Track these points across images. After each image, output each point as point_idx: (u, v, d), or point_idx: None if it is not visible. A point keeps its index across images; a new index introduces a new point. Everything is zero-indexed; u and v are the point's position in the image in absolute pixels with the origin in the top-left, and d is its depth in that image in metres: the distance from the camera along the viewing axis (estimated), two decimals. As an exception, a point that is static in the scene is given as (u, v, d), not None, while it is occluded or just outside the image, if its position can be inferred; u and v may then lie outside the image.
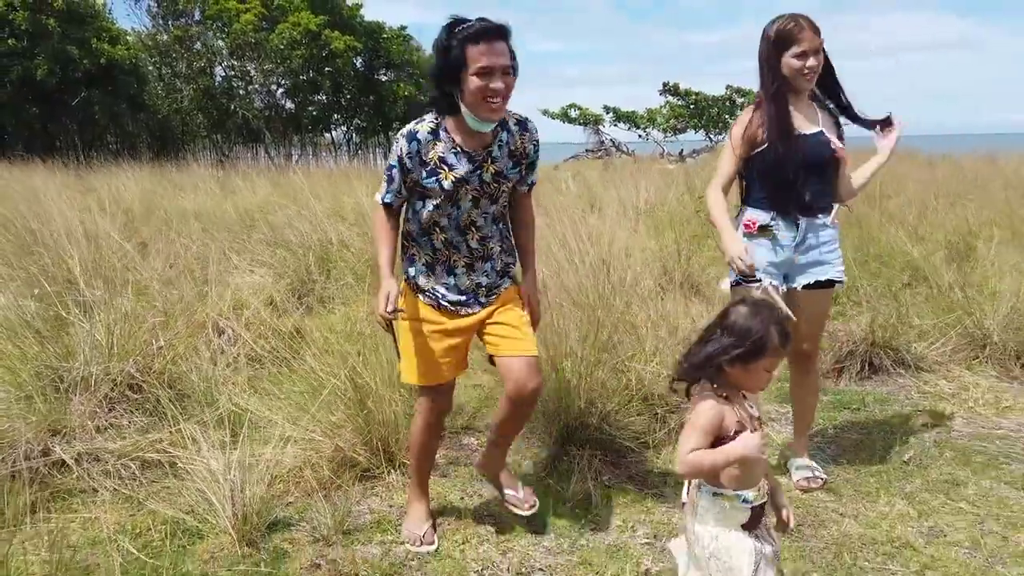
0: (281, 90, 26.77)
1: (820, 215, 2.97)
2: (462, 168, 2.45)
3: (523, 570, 2.60)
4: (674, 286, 4.96)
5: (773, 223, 2.94)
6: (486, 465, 2.82)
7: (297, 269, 6.10)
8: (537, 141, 2.62)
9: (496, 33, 2.31)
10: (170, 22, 25.12)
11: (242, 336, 4.37)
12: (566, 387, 3.29)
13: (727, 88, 24.66)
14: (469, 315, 2.60)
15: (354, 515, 2.93)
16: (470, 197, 2.50)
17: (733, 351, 1.91)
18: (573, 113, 26.45)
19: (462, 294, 2.60)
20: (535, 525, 2.86)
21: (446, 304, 2.59)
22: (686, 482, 2.08)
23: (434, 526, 2.81)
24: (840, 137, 3.02)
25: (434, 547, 2.71)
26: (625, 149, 25.07)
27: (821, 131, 2.94)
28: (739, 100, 24.34)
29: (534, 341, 2.63)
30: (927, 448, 3.44)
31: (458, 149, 2.45)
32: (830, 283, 3.01)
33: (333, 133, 30.04)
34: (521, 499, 2.81)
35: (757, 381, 1.98)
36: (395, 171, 2.48)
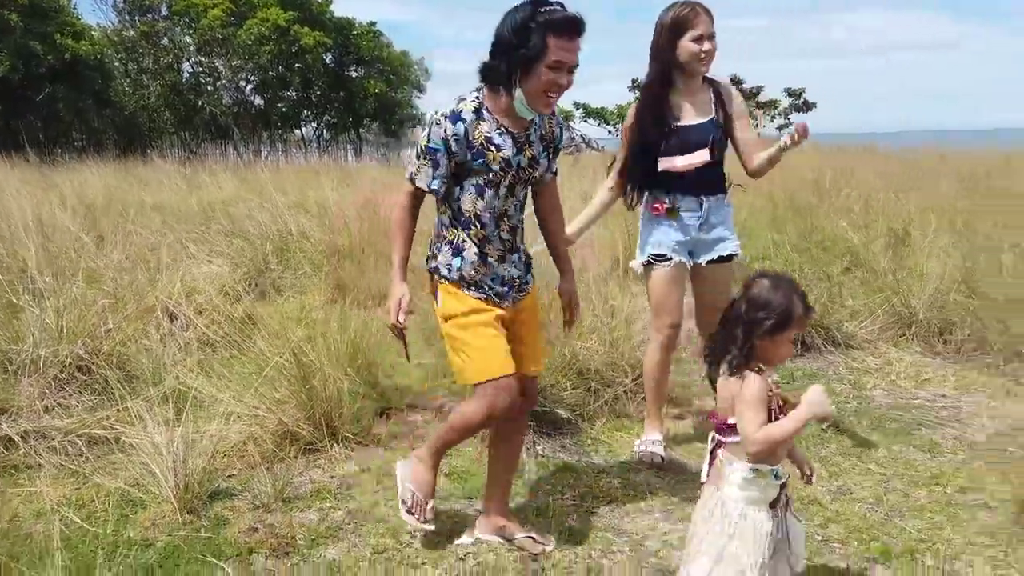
0: (250, 86, 26.70)
1: (719, 194, 3.14)
2: (508, 150, 2.35)
3: (454, 530, 2.73)
4: (619, 270, 5.12)
5: (679, 204, 3.10)
6: (491, 511, 2.66)
7: (254, 258, 6.18)
8: (562, 126, 2.56)
9: (578, 28, 2.21)
10: (136, 17, 24.93)
11: (194, 321, 4.46)
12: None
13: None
14: (505, 307, 2.46)
15: (295, 485, 3.05)
16: (507, 182, 2.39)
17: (766, 323, 1.93)
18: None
19: (504, 285, 2.46)
20: (471, 492, 3.00)
21: (493, 295, 2.44)
22: (706, 462, 2.10)
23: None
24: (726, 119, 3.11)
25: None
26: (595, 145, 25.29)
27: (711, 119, 3.07)
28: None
29: (543, 354, 2.71)
30: (845, 416, 3.64)
31: (503, 129, 2.34)
32: (730, 257, 3.19)
33: (303, 130, 29.97)
34: (536, 538, 2.60)
35: (785, 352, 2.00)
36: (440, 155, 2.32)
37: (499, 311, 2.43)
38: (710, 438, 2.12)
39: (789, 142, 2.89)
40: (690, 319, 3.41)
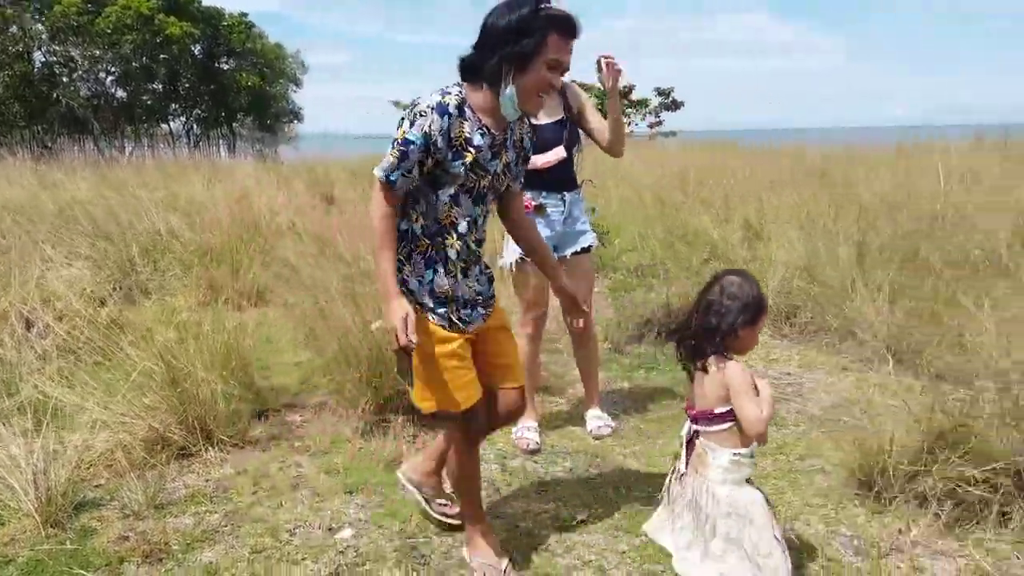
0: (111, 78, 25.13)
1: (575, 190, 3.35)
2: (486, 152, 2.19)
3: (333, 525, 2.77)
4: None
5: (545, 201, 3.27)
6: (428, 472, 2.76)
7: (119, 261, 5.91)
8: (531, 133, 2.41)
9: (576, 30, 2.13)
10: (-22, 2, 22.92)
11: (53, 328, 4.24)
12: (380, 358, 3.47)
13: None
14: (472, 331, 2.31)
15: (168, 491, 2.99)
16: (482, 189, 2.24)
17: (746, 314, 2.15)
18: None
19: (467, 307, 2.30)
20: (351, 487, 3.04)
21: (458, 321, 2.27)
22: (683, 453, 2.29)
23: (512, 563, 2.47)
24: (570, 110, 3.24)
25: None
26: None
27: (561, 119, 3.25)
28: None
29: (523, 367, 2.73)
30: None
31: (485, 130, 2.19)
32: (590, 248, 3.41)
33: (171, 124, 28.51)
34: (451, 509, 2.73)
35: (755, 340, 2.24)
36: (414, 149, 2.11)
37: (464, 337, 2.28)
38: (686, 429, 2.30)
39: (609, 82, 3.11)
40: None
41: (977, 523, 2.58)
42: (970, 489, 2.58)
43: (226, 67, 27.28)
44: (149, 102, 26.40)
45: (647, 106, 25.09)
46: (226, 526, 2.76)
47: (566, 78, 2.40)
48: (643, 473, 3.14)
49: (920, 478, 2.68)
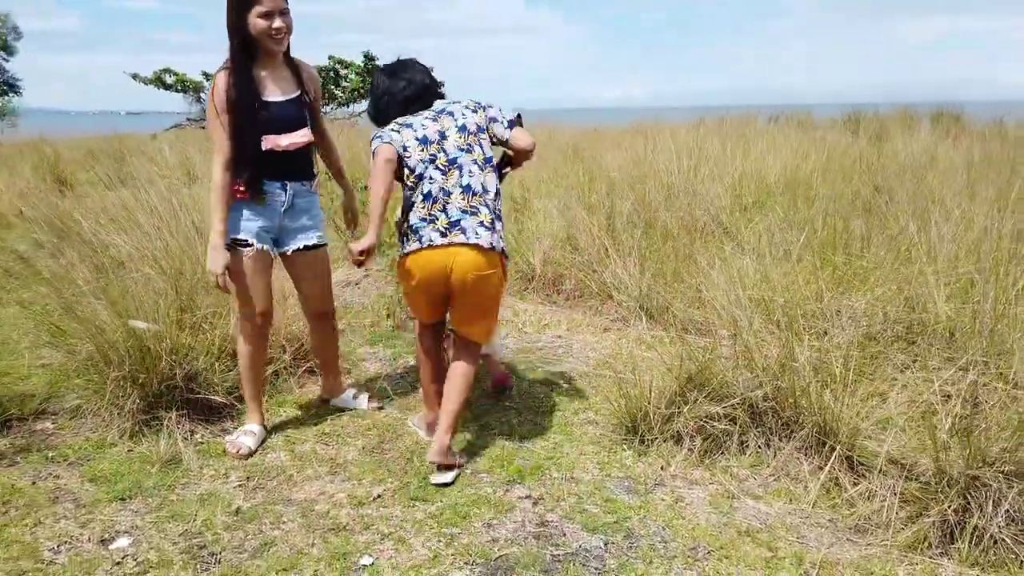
0: None
1: (304, 181, 3.08)
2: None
3: (106, 536, 2.52)
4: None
5: (264, 188, 2.97)
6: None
7: None
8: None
9: None
10: None
11: None
12: (146, 351, 3.19)
13: (329, 59, 24.80)
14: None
15: None
16: None
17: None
18: (168, 79, 24.21)
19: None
20: (123, 493, 2.78)
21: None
22: None
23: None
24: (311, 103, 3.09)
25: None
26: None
27: (296, 96, 3.01)
28: (343, 71, 24.65)
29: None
30: (481, 366, 4.07)
31: None
32: (318, 246, 3.17)
33: None
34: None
35: None
36: None
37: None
38: None
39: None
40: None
41: (722, 453, 2.98)
42: (715, 424, 2.96)
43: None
44: None
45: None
46: (-29, 555, 2.40)
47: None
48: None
49: (675, 419, 3.03)
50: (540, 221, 6.03)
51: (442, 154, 2.89)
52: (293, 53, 3.05)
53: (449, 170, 2.87)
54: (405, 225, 2.95)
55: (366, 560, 2.39)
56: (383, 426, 3.36)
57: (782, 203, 6.21)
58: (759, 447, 2.96)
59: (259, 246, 3.00)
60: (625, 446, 3.11)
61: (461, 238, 2.82)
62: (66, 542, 2.49)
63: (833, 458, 2.71)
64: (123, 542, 2.49)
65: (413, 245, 2.88)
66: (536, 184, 7.65)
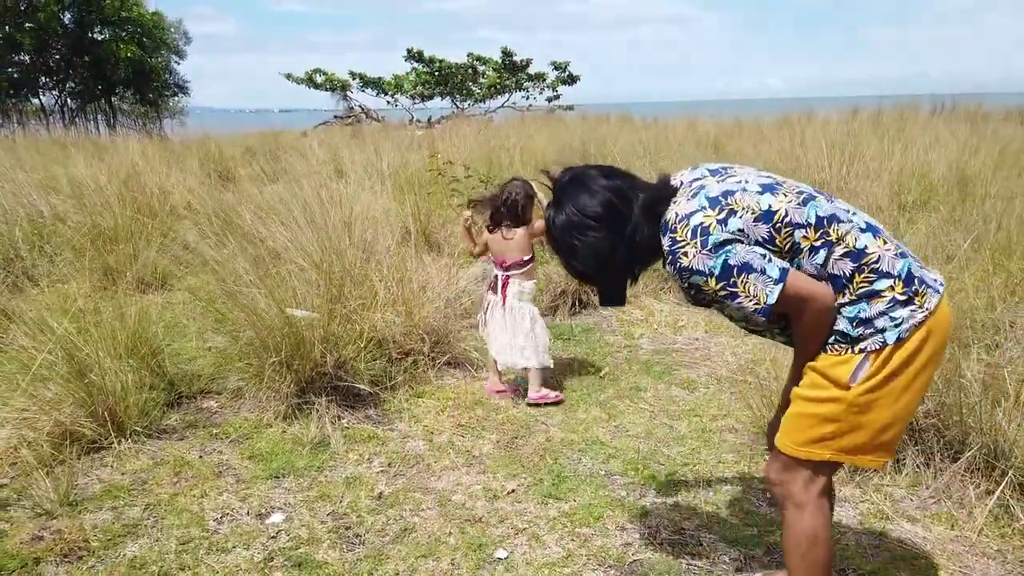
0: (-31, 48, 22.99)
1: None
2: None
3: (263, 511, 2.72)
4: (411, 242, 5.21)
5: None
6: None
7: (0, 247, 5.49)
8: None
9: None
10: None
11: (-67, 321, 3.91)
12: (300, 339, 3.40)
13: (468, 56, 25.39)
14: None
15: (82, 487, 2.85)
16: None
17: (528, 202, 3.57)
18: (319, 78, 25.72)
19: None
20: (277, 471, 2.98)
21: None
22: (499, 291, 3.65)
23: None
24: None
25: None
26: (375, 115, 24.94)
27: None
28: (480, 68, 25.16)
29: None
30: (619, 364, 4.06)
31: None
32: None
33: (42, 98, 26.43)
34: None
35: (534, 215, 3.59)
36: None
37: None
38: (497, 275, 3.66)
39: None
40: None
41: (876, 470, 2.80)
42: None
43: (100, 37, 25.45)
44: (15, 75, 24.37)
45: (544, 80, 25.24)
46: (148, 519, 2.66)
47: None
48: (566, 440, 3.23)
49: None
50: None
51: None
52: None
53: None
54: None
55: (501, 553, 2.44)
56: (518, 422, 3.42)
57: (947, 202, 5.75)
58: (917, 466, 2.76)
59: None
60: (768, 456, 2.99)
61: None
62: (227, 514, 2.70)
63: (1004, 483, 2.49)
64: (277, 517, 2.67)
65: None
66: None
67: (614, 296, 2.01)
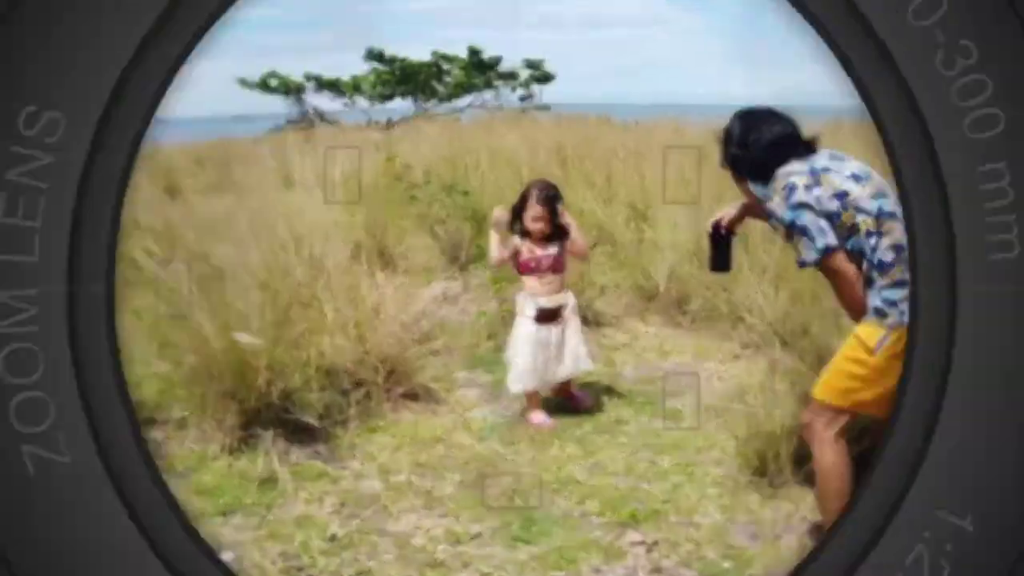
0: None
1: None
2: None
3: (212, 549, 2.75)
4: (364, 258, 5.27)
5: None
6: None
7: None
8: None
9: None
10: None
11: None
12: (244, 366, 3.43)
13: (433, 54, 25.59)
14: None
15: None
16: None
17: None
18: (273, 83, 25.77)
19: None
20: (225, 508, 3.03)
21: None
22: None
23: None
24: None
25: None
26: (330, 119, 25.01)
27: None
28: (445, 66, 25.37)
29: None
30: (599, 395, 4.14)
31: None
32: None
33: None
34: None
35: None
36: None
37: None
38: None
39: None
40: None
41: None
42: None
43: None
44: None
45: (517, 79, 25.54)
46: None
47: None
48: (537, 479, 3.29)
49: (808, 460, 2.98)
50: (661, 230, 6.04)
51: None
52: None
53: None
54: None
55: (464, 600, 2.50)
56: (483, 460, 3.48)
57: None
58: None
59: None
60: (752, 488, 3.09)
61: None
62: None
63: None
64: (226, 556, 2.71)
65: None
66: (657, 187, 7.64)
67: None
